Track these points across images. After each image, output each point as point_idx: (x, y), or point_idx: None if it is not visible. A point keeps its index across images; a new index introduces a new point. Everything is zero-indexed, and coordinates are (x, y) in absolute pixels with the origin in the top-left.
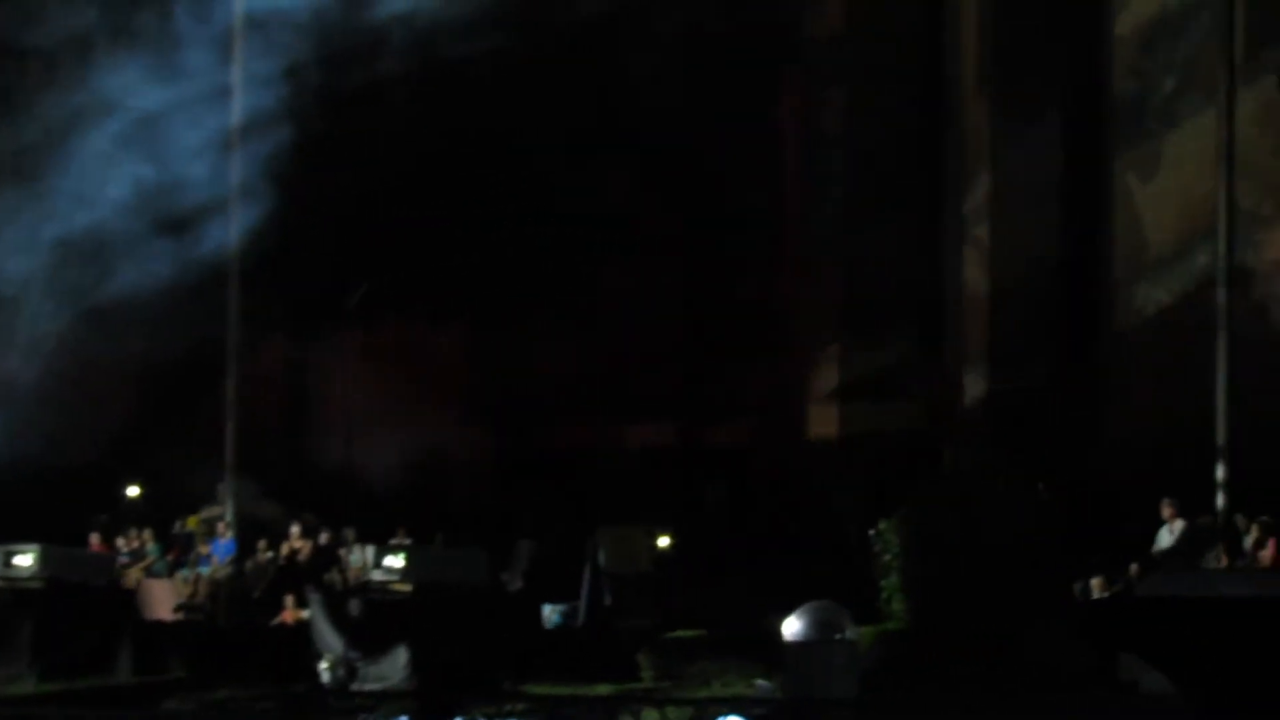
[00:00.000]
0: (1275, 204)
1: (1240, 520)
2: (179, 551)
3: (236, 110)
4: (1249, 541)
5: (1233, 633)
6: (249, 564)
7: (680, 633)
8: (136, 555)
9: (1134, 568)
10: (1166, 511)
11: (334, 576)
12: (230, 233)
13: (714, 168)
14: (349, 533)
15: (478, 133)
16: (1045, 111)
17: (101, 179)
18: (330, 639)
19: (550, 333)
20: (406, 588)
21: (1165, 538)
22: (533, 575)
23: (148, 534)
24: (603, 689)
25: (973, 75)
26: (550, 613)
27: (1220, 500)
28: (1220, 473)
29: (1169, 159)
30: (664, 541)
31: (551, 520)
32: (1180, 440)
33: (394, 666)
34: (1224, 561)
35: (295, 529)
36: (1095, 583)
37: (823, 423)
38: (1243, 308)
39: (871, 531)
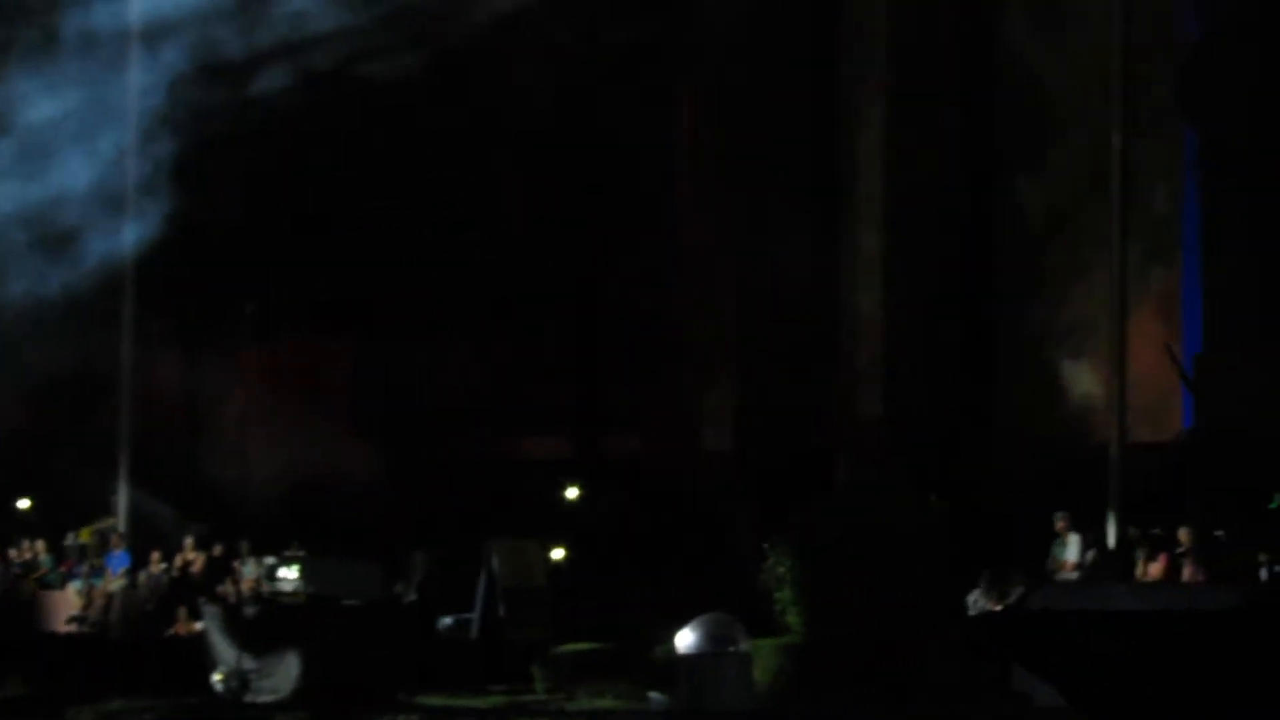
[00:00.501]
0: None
1: (1133, 533)
2: (72, 563)
3: (130, 124)
4: (1140, 555)
5: (1124, 646)
6: (142, 576)
7: (574, 645)
8: (29, 567)
9: (1026, 580)
10: (1059, 525)
11: (228, 588)
12: (124, 245)
13: (609, 181)
14: (243, 544)
15: (373, 146)
16: (942, 126)
17: None
18: (224, 651)
19: (445, 345)
20: (300, 599)
21: (1059, 551)
22: (427, 587)
23: (40, 545)
24: (496, 700)
25: (870, 91)
26: (444, 624)
27: (1112, 514)
28: (1113, 487)
29: (1062, 175)
30: (558, 554)
31: (446, 532)
32: (1073, 454)
33: (287, 678)
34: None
35: (189, 541)
36: (988, 595)
37: (718, 436)
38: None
39: (765, 544)
